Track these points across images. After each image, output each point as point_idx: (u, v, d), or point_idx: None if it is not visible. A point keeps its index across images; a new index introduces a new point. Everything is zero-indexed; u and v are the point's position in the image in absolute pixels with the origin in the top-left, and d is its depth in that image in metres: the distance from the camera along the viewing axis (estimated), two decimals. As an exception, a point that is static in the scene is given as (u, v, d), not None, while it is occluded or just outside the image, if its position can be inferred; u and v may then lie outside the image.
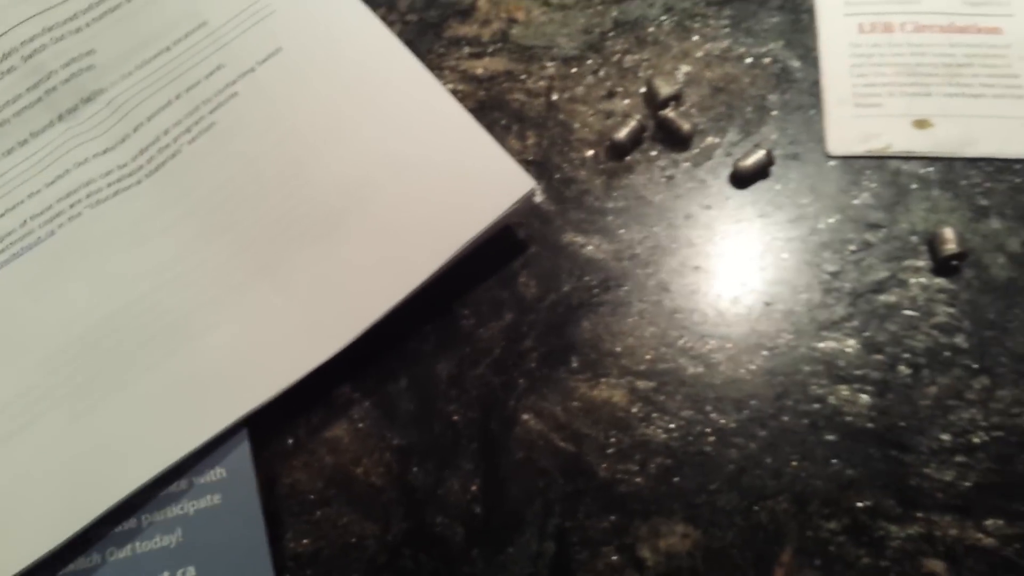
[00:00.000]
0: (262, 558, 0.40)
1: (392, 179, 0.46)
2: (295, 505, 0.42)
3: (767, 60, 0.51)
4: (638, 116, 0.49)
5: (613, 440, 0.43)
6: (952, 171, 0.48)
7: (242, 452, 0.42)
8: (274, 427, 0.44)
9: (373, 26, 0.50)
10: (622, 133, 0.48)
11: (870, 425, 0.42)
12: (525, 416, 0.44)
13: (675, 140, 0.49)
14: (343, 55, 0.49)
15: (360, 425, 0.44)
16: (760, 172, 0.48)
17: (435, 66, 0.53)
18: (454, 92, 0.51)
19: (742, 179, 0.48)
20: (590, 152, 0.50)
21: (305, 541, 0.42)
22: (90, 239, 0.45)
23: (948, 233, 0.45)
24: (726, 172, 0.49)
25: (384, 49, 0.49)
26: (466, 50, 0.54)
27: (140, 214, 0.45)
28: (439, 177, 0.46)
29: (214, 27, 0.50)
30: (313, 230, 0.45)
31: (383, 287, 0.43)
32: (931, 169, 0.48)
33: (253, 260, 0.45)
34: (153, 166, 0.46)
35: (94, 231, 0.45)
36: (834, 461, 0.42)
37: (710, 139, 0.50)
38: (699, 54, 0.52)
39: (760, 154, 0.47)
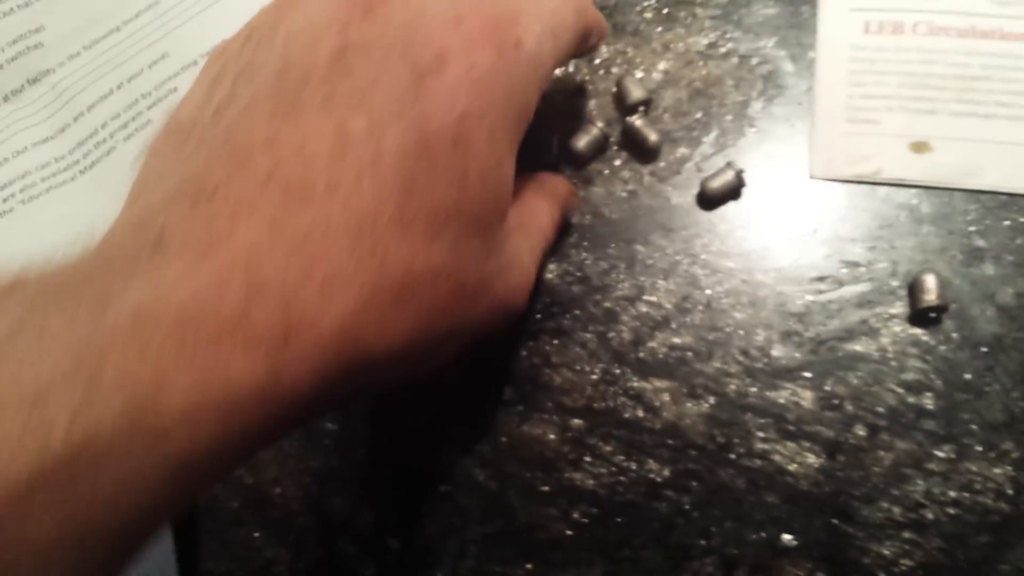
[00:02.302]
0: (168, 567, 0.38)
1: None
2: (209, 522, 0.40)
3: (755, 60, 0.44)
4: (600, 124, 0.43)
5: (539, 482, 0.39)
6: (949, 203, 0.41)
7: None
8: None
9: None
10: (581, 142, 0.43)
11: (815, 489, 0.38)
12: (449, 448, 0.40)
13: (641, 151, 0.43)
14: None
15: (282, 444, 0.41)
16: (729, 194, 0.42)
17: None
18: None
19: (709, 200, 0.42)
20: (546, 156, 0.44)
21: (212, 564, 0.40)
22: (16, 239, 0.42)
23: (930, 281, 0.39)
24: (695, 189, 0.42)
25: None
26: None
27: (69, 214, 0.42)
28: None
29: (164, 8, 0.45)
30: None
31: None
32: (924, 199, 0.41)
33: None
34: (88, 162, 0.43)
35: (22, 230, 0.42)
36: (770, 525, 0.38)
37: (681, 151, 0.43)
38: (680, 48, 0.45)
39: (729, 175, 0.41)
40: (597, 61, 0.45)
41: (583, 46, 0.36)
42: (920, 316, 0.39)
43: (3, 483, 0.21)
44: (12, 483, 0.21)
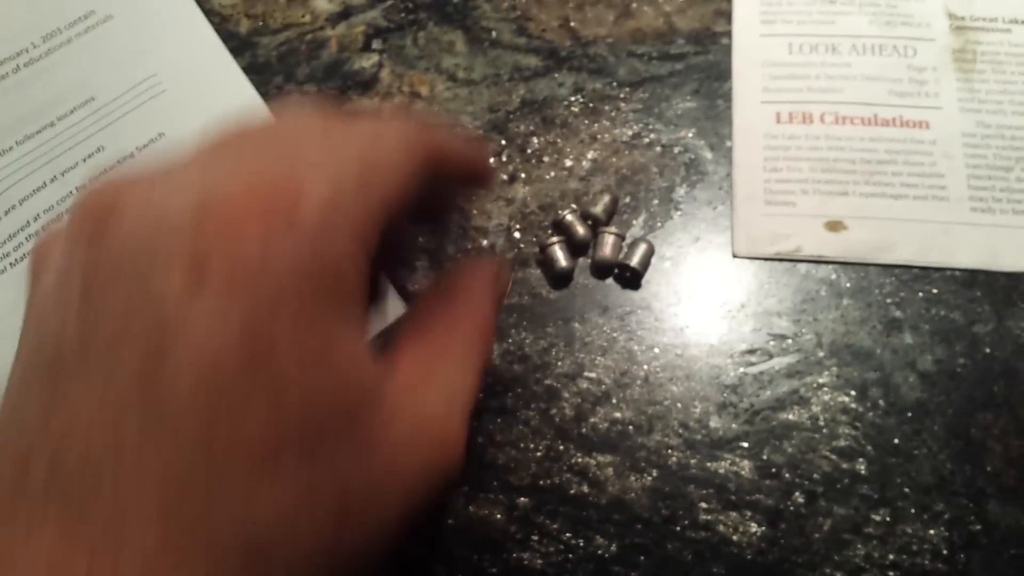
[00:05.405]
0: None
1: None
2: None
3: (677, 149, 0.44)
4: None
5: (487, 564, 0.37)
6: (866, 277, 0.42)
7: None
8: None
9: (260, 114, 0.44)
10: (635, 259, 0.42)
11: (760, 558, 0.37)
12: (397, 532, 0.38)
13: (574, 243, 0.43)
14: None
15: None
16: (630, 269, 0.41)
17: (332, 143, 0.46)
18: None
19: (625, 279, 0.42)
20: (486, 242, 0.43)
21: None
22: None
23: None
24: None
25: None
26: (366, 125, 0.47)
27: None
28: None
29: (102, 103, 0.43)
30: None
31: None
32: (843, 274, 0.42)
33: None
34: (19, 254, 0.40)
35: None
36: (718, 596, 0.36)
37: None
38: (607, 138, 0.45)
39: (640, 249, 0.42)
40: (528, 151, 0.45)
41: (445, 179, 0.29)
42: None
43: None
44: None
